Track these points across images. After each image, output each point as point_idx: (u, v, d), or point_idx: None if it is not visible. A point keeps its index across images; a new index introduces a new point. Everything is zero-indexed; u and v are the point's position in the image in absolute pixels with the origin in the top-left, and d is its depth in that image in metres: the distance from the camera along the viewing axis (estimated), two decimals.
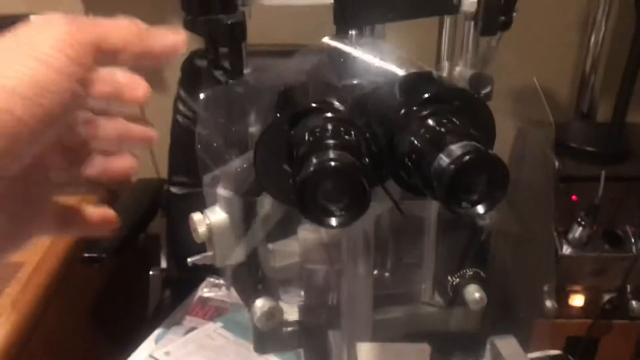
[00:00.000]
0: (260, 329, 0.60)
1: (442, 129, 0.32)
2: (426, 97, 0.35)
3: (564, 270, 1.09)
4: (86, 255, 1.12)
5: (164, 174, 1.35)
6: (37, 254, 1.16)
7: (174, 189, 1.29)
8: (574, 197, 1.07)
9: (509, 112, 1.27)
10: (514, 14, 0.60)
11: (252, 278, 0.60)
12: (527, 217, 1.24)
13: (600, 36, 1.13)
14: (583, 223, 1.03)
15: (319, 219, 0.30)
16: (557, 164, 1.06)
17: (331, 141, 0.31)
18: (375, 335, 0.60)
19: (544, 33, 1.22)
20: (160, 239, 1.35)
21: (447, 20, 0.47)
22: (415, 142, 0.33)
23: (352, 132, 0.33)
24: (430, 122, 0.33)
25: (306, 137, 0.32)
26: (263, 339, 0.62)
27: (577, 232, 1.04)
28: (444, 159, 0.30)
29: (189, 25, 0.50)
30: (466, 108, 0.35)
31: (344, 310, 0.49)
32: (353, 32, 0.41)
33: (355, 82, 0.40)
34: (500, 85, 1.30)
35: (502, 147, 1.31)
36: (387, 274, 0.57)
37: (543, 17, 1.21)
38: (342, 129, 0.33)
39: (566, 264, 1.08)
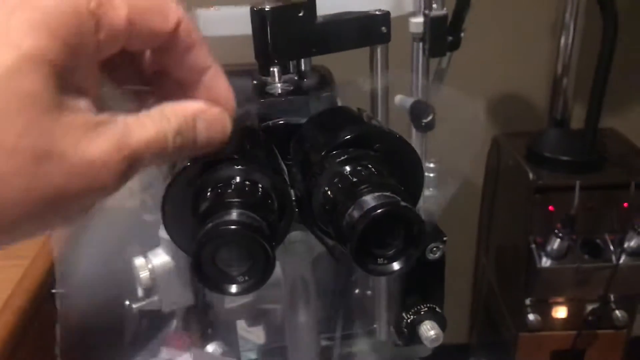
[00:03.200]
0: None
1: (355, 178, 0.29)
2: (344, 140, 0.32)
3: (544, 283, 1.06)
4: (54, 291, 1.08)
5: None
6: (5, 292, 1.13)
7: (147, 217, 1.26)
8: (550, 208, 1.04)
9: (483, 123, 1.25)
10: (462, 34, 0.58)
11: (201, 322, 0.58)
12: (506, 230, 1.22)
13: (570, 40, 1.11)
14: (560, 234, 1.00)
15: (218, 286, 0.27)
16: (531, 174, 1.04)
17: (233, 199, 0.28)
18: None
19: (514, 40, 1.20)
20: None
21: (378, 49, 0.45)
22: (329, 191, 0.30)
23: (260, 186, 0.30)
24: (345, 169, 0.31)
25: (208, 193, 0.30)
26: None
27: (555, 243, 1.02)
28: (355, 212, 0.28)
29: None
30: (391, 151, 0.33)
31: (290, 356, 0.46)
32: (275, 69, 0.38)
33: (280, 122, 0.38)
34: (472, 97, 1.28)
35: (477, 159, 1.28)
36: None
37: (512, 23, 1.19)
38: (247, 182, 0.30)
39: (546, 276, 1.05)
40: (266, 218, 0.28)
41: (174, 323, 1.21)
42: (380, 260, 0.28)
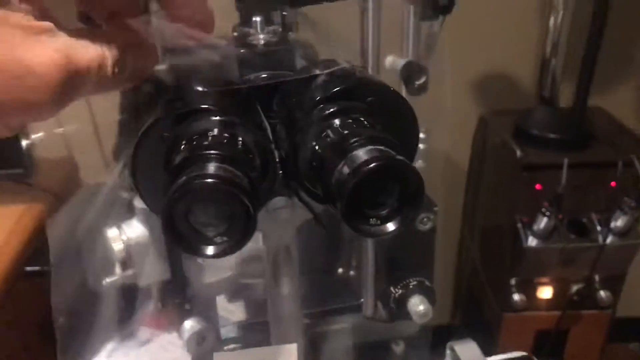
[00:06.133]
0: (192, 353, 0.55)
1: (346, 131, 0.27)
2: (333, 93, 0.29)
3: (530, 263, 1.05)
4: (28, 269, 1.05)
5: None
6: None
7: (122, 194, 1.22)
8: (537, 187, 1.03)
9: (470, 101, 1.22)
10: None
11: (179, 297, 0.55)
12: (492, 209, 1.21)
13: (559, 18, 1.09)
14: (547, 213, 0.99)
15: (192, 247, 0.25)
16: (518, 152, 1.02)
17: (210, 152, 0.25)
18: (320, 347, 0.55)
19: (504, 17, 1.18)
20: None
21: (370, 3, 0.42)
22: (317, 146, 0.28)
23: (240, 140, 0.27)
24: (335, 122, 0.28)
25: (183, 145, 0.27)
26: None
27: (542, 222, 1.00)
28: (345, 168, 0.25)
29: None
30: (383, 105, 0.30)
31: (272, 331, 0.43)
32: (258, 19, 0.35)
33: (263, 75, 0.35)
34: (460, 75, 1.25)
35: (464, 137, 1.26)
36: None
37: (502, 1, 1.16)
38: (227, 135, 0.27)
39: (532, 255, 1.04)
40: (247, 174, 0.26)
41: (152, 302, 1.18)
42: (372, 221, 0.26)
